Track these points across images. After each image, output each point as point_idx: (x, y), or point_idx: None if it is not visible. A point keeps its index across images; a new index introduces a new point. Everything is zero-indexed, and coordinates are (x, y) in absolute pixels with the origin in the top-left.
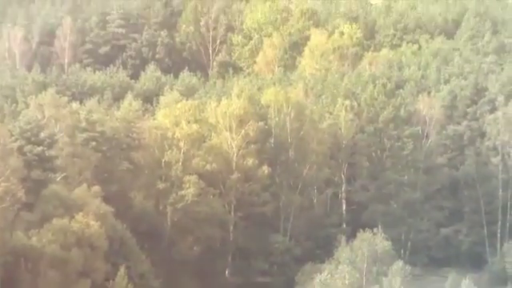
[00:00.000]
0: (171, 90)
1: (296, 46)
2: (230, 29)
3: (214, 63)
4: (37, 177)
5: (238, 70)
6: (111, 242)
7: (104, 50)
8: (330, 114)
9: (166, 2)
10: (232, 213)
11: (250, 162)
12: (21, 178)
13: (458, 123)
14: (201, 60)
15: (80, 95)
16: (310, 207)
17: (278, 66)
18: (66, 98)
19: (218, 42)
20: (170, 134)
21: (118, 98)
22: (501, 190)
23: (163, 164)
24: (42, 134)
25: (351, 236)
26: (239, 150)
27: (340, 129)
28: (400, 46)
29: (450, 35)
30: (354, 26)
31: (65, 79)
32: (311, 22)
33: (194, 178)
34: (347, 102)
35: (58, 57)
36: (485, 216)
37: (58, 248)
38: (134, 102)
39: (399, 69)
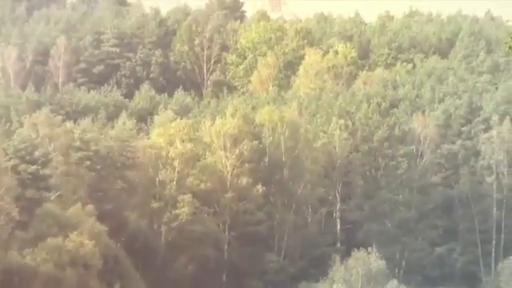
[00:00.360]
0: (165, 109)
1: (290, 65)
2: (225, 48)
3: (209, 82)
4: (31, 196)
5: (232, 89)
6: (105, 260)
7: (98, 69)
8: (325, 133)
9: (160, 22)
10: (226, 232)
11: (245, 180)
12: (15, 196)
13: (453, 142)
14: (195, 79)
15: (74, 114)
16: (305, 226)
17: (273, 85)
18: (60, 117)
19: (213, 61)
20: (164, 153)
21: (112, 117)
22: (495, 209)
23: (157, 183)
24: (36, 153)
25: (346, 255)
26: (233, 169)
27: (334, 148)
28: (394, 65)
29: (444, 54)
30: (348, 45)
31: (59, 98)
32: (305, 41)
33: (188, 197)
34: (342, 121)
35: (52, 76)
36: (479, 235)
37: (52, 267)
38: (128, 121)
39: (394, 88)
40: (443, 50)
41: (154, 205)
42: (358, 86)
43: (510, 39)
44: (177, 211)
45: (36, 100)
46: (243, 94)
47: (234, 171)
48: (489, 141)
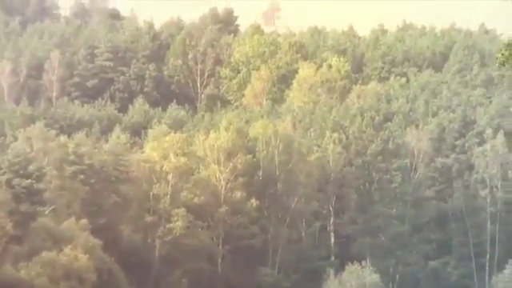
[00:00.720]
0: (159, 123)
1: (284, 79)
2: (218, 62)
3: (202, 96)
4: (25, 210)
5: (226, 103)
6: (99, 274)
7: (92, 83)
8: (318, 146)
9: (154, 36)
10: (220, 246)
11: (238, 194)
12: (9, 210)
13: (447, 156)
14: (189, 93)
15: (68, 128)
16: (299, 240)
17: (266, 99)
18: (54, 131)
19: (206, 75)
20: (158, 167)
21: (106, 131)
22: (489, 223)
23: (151, 197)
24: (31, 167)
25: (340, 269)
26: (227, 183)
27: (328, 162)
28: (388, 78)
29: (438, 68)
30: (342, 58)
31: (53, 112)
32: (299, 55)
33: (182, 211)
34: (335, 135)
35: (47, 90)
36: (473, 249)
37: (46, 281)
38: (122, 135)
39: (387, 102)
40: (437, 64)
41: (148, 219)
42: (352, 99)
43: (500, 55)
44: (171, 225)
45: (30, 114)
46: (237, 107)
47: (228, 185)
48: (482, 154)
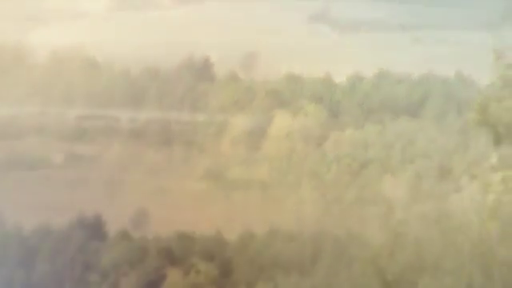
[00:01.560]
0: (136, 170)
1: (261, 127)
2: (195, 109)
3: (179, 143)
4: None
5: (202, 150)
6: None
7: (69, 129)
8: (295, 193)
9: (130, 82)
10: None
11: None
12: None
13: (423, 203)
14: (165, 140)
15: None
16: None
17: (243, 147)
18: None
19: (183, 122)
20: None
21: None
22: (467, 270)
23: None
24: None
25: None
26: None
27: (305, 209)
28: (364, 126)
29: (414, 115)
30: (318, 106)
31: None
32: (276, 102)
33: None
34: (312, 182)
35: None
36: None
37: None
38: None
39: (364, 149)
40: (413, 111)
41: None
42: (329, 146)
43: (476, 115)
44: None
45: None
46: (214, 155)
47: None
48: (459, 202)
